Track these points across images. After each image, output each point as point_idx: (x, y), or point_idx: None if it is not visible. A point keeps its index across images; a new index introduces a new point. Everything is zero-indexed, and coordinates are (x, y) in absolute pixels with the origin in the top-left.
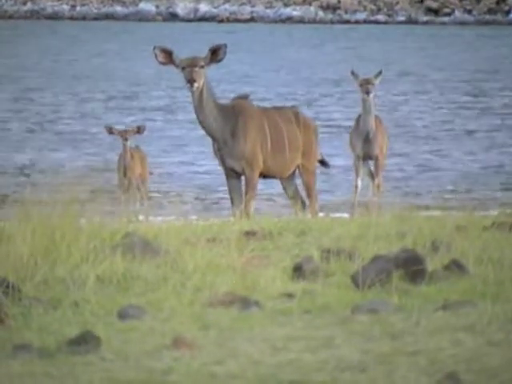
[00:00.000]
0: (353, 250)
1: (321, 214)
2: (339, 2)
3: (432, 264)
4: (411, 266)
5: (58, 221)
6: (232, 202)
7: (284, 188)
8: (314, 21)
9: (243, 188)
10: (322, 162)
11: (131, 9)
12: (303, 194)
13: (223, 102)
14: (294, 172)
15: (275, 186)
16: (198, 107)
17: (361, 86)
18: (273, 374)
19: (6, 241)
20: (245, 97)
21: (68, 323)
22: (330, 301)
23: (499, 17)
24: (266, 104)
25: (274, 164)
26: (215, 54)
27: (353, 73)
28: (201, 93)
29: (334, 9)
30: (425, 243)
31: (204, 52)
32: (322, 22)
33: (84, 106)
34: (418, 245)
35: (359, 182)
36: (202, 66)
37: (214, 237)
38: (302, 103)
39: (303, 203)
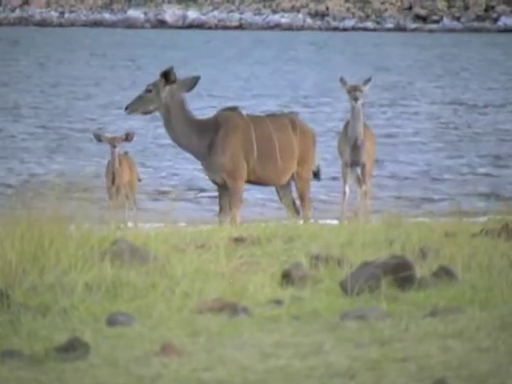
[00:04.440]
0: (341, 257)
1: (310, 220)
2: (327, 9)
3: (421, 270)
4: (400, 273)
5: (47, 227)
6: (220, 210)
7: (279, 196)
8: (302, 28)
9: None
10: (315, 174)
11: (120, 16)
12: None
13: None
14: (289, 180)
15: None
16: (166, 126)
17: (349, 92)
18: (262, 380)
19: None
20: (233, 108)
21: (57, 330)
22: (319, 307)
23: (487, 24)
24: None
25: (265, 172)
26: (167, 77)
27: (341, 79)
28: (168, 112)
29: (322, 16)
30: (413, 250)
31: (192, 58)
32: (310, 28)
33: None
34: (407, 251)
35: (347, 189)
36: (150, 91)
37: (203, 243)
38: None
39: (298, 212)
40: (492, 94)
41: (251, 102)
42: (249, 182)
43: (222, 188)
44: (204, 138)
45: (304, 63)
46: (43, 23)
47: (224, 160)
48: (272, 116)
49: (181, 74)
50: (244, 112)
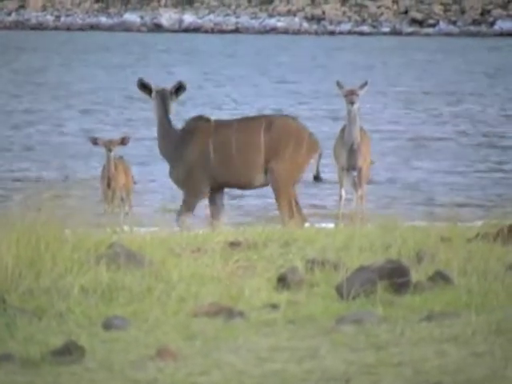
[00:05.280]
0: (337, 261)
1: (306, 224)
2: (324, 13)
3: (416, 275)
4: (396, 277)
5: (43, 231)
6: (211, 215)
7: None
8: (298, 32)
9: (223, 200)
10: (316, 177)
11: (116, 19)
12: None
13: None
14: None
15: None
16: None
17: (345, 96)
18: None
19: None
20: (198, 118)
21: (52, 333)
22: (315, 311)
23: (484, 28)
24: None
25: (227, 178)
26: (144, 88)
27: (338, 83)
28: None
29: (318, 20)
30: (409, 254)
31: (184, 63)
32: (306, 32)
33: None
34: (403, 256)
35: (343, 193)
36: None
37: (199, 247)
38: None
39: (304, 218)
40: None
41: (248, 106)
42: (220, 187)
43: (215, 193)
44: (171, 148)
45: (301, 67)
46: (39, 27)
47: (180, 173)
48: (245, 118)
49: (178, 77)
50: (212, 118)
